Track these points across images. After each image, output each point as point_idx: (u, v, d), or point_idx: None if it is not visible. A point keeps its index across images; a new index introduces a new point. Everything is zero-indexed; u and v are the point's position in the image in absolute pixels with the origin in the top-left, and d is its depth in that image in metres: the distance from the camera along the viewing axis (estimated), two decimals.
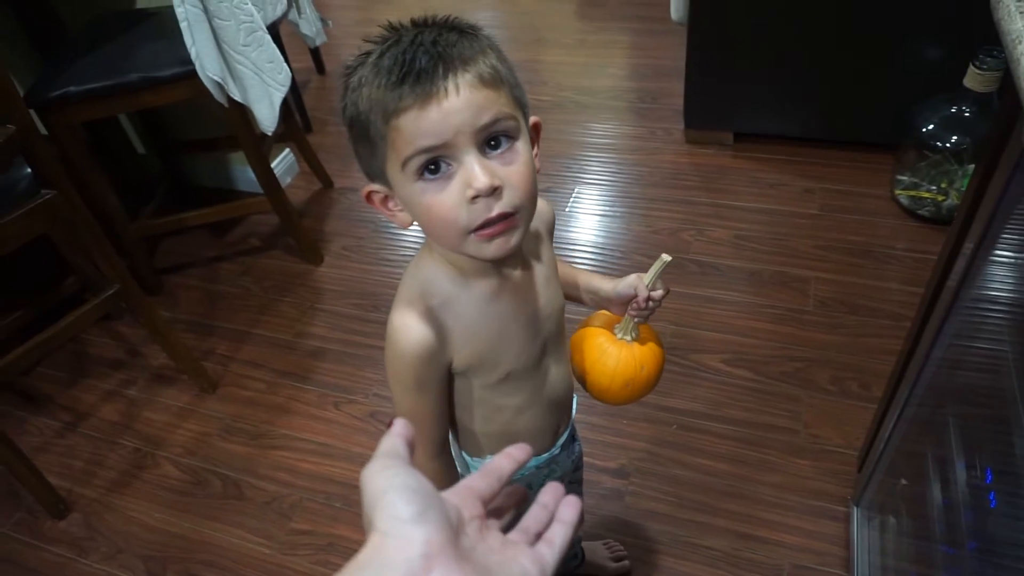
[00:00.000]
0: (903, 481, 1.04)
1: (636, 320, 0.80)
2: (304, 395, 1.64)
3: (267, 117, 1.63)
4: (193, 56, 1.46)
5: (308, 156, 2.18)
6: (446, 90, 0.53)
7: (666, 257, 0.75)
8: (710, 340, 1.58)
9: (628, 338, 0.81)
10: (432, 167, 0.57)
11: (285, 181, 2.27)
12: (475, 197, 0.56)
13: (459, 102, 0.54)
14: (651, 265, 0.77)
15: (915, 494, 0.98)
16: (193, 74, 1.50)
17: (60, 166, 1.38)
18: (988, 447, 0.82)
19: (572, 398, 0.87)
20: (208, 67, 1.47)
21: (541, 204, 0.74)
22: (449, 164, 0.56)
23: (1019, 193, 0.75)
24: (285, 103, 1.67)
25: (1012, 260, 0.80)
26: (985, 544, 0.78)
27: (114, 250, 1.45)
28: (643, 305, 0.77)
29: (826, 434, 1.40)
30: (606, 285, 0.82)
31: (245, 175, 2.21)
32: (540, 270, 0.73)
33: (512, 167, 0.58)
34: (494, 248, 0.60)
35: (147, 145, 2.22)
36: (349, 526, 1.38)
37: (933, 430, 0.95)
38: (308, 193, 2.26)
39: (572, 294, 0.85)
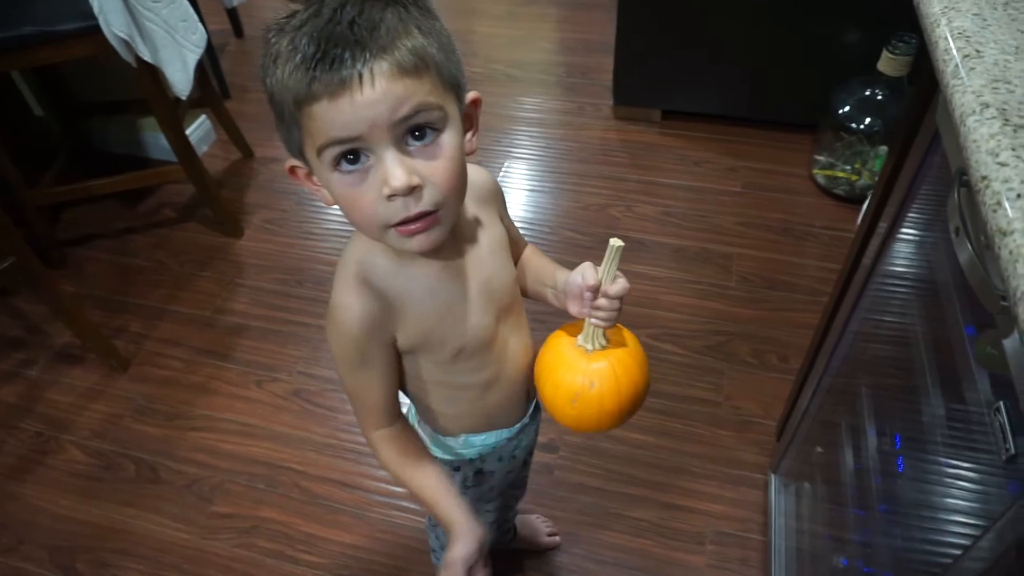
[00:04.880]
0: (819, 449, 1.09)
1: (595, 324, 0.66)
2: (224, 373, 1.57)
3: (181, 80, 1.53)
4: (96, 10, 1.35)
5: (226, 123, 2.07)
6: (360, 80, 0.49)
7: (616, 242, 0.63)
8: (637, 315, 1.60)
9: (589, 346, 0.68)
10: (351, 156, 0.53)
11: (201, 149, 2.15)
12: (392, 196, 0.53)
13: (374, 94, 0.50)
14: (600, 254, 0.66)
15: (829, 461, 1.03)
16: (97, 29, 1.39)
17: None
18: (897, 415, 0.86)
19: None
20: (113, 23, 1.37)
21: (481, 175, 0.72)
22: (367, 156, 0.53)
23: (929, 174, 0.78)
24: (200, 66, 1.58)
25: (919, 238, 0.84)
26: (893, 506, 0.82)
27: (9, 220, 1.34)
28: (591, 299, 0.65)
29: (747, 405, 1.45)
30: (561, 276, 0.72)
31: (157, 142, 2.08)
32: (482, 244, 0.70)
33: (435, 162, 0.55)
34: (415, 243, 0.58)
35: (46, 106, 2.05)
36: (273, 507, 1.34)
37: (847, 400, 0.99)
38: (226, 163, 2.16)
39: (538, 291, 0.77)
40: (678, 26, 1.97)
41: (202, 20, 1.57)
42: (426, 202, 0.55)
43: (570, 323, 0.71)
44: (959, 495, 0.68)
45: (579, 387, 0.66)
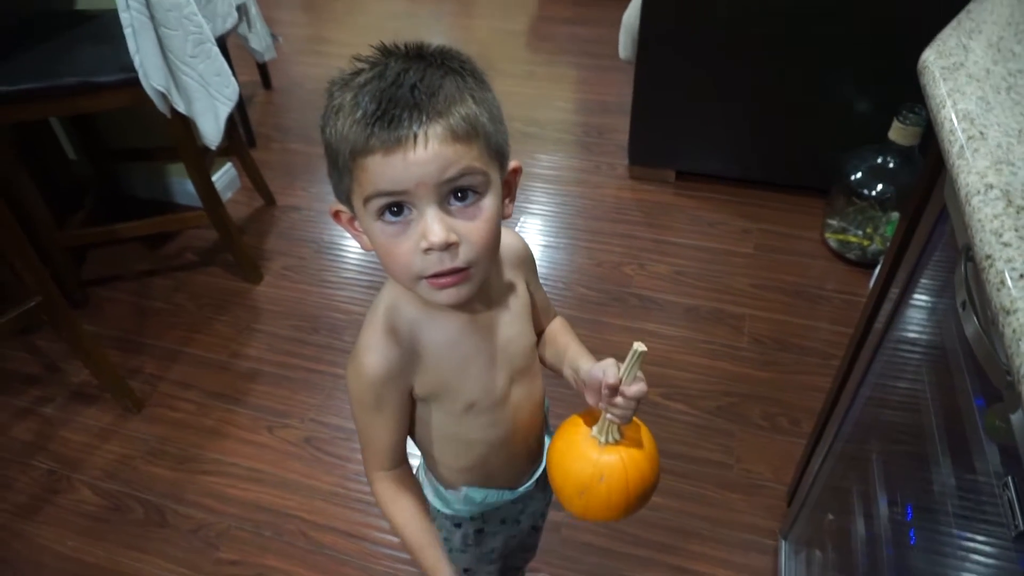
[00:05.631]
0: (830, 516, 1.08)
1: (611, 419, 0.65)
2: (236, 418, 1.58)
3: (212, 131, 1.59)
4: (137, 64, 1.42)
5: (251, 172, 2.14)
6: (414, 140, 0.53)
7: (639, 346, 0.61)
8: (648, 373, 1.57)
9: (602, 439, 0.67)
10: (395, 209, 0.57)
11: (225, 196, 2.21)
12: (428, 250, 0.56)
13: (425, 155, 0.53)
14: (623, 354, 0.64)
15: (840, 528, 1.02)
16: (135, 82, 1.45)
17: None
18: (908, 484, 0.86)
19: (543, 429, 0.85)
20: (152, 76, 1.43)
21: (515, 240, 0.75)
22: (411, 210, 0.57)
23: (939, 243, 0.80)
24: (230, 117, 1.64)
25: (930, 305, 0.85)
26: None
27: (38, 259, 1.38)
28: (608, 395, 0.64)
29: (758, 469, 1.44)
30: (584, 364, 0.70)
31: (183, 187, 2.14)
32: (507, 306, 0.72)
33: (473, 223, 0.58)
34: (444, 296, 0.61)
35: (79, 151, 2.13)
36: (279, 556, 1.33)
37: (858, 466, 0.98)
38: (249, 209, 2.21)
39: (557, 367, 0.78)
40: (694, 89, 2.03)
41: (233, 72, 1.63)
42: (460, 259, 0.58)
43: (588, 410, 0.71)
44: (971, 568, 0.67)
45: (588, 479, 0.66)
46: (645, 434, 0.70)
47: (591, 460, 0.67)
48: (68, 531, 1.38)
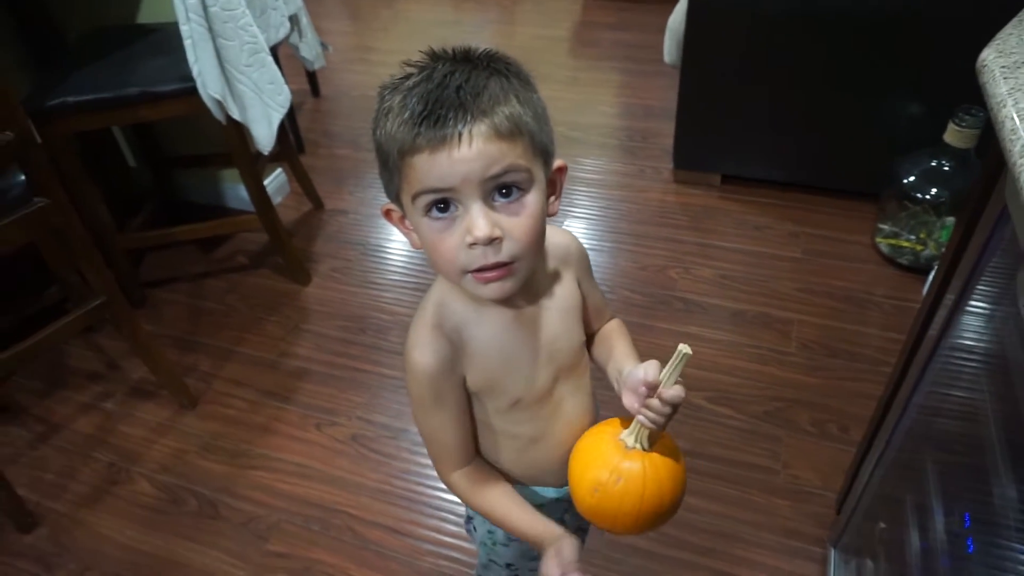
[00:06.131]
0: (882, 525, 1.05)
1: (642, 422, 0.64)
2: (286, 415, 1.63)
3: (265, 136, 1.64)
4: (195, 74, 1.47)
5: (300, 177, 2.19)
6: (459, 139, 0.55)
7: (684, 348, 0.60)
8: (693, 377, 1.59)
9: (631, 442, 0.66)
10: (441, 205, 0.59)
11: (276, 200, 2.27)
12: (473, 244, 0.58)
13: (470, 152, 0.55)
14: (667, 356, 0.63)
15: (893, 538, 1.00)
16: (193, 91, 1.51)
17: (54, 175, 1.38)
18: (966, 495, 0.84)
19: None
20: (210, 85, 1.48)
21: (565, 238, 0.76)
22: (457, 206, 0.59)
23: (998, 248, 0.78)
24: (281, 124, 1.68)
25: (988, 312, 0.83)
26: None
27: (103, 261, 1.44)
28: (647, 397, 0.63)
29: (805, 475, 1.41)
30: (628, 365, 0.71)
31: (236, 192, 2.21)
32: (554, 305, 0.73)
33: (517, 219, 0.59)
34: (489, 291, 0.62)
35: (138, 158, 2.21)
36: (326, 550, 1.36)
37: (912, 475, 0.96)
38: (298, 213, 2.27)
39: (603, 367, 0.78)
40: (740, 93, 2.01)
41: (284, 80, 1.68)
42: (504, 254, 0.59)
43: (624, 417, 0.70)
44: None
45: (605, 478, 0.65)
46: (676, 453, 0.68)
47: (613, 460, 0.66)
48: (126, 521, 1.44)
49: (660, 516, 0.67)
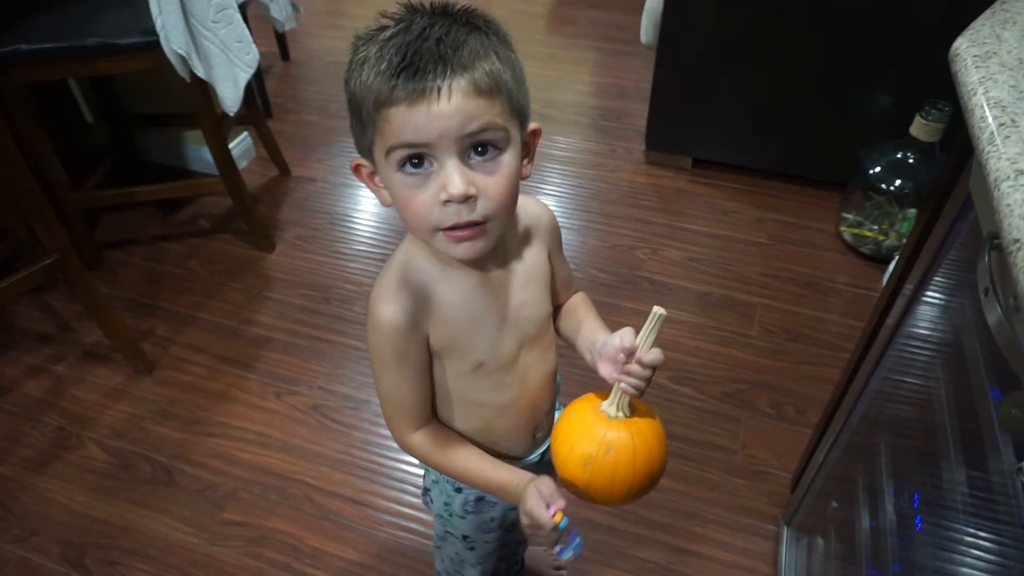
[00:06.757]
0: (834, 504, 1.08)
1: (624, 389, 0.65)
2: (245, 383, 1.60)
3: (231, 97, 1.59)
4: (159, 27, 1.41)
5: (267, 141, 2.14)
6: (438, 93, 0.53)
7: (659, 310, 0.62)
8: None
9: (613, 412, 0.66)
10: (416, 160, 0.57)
11: (241, 164, 2.21)
12: (447, 201, 0.57)
13: (448, 107, 0.54)
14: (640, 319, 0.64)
15: (844, 517, 1.02)
16: (156, 45, 1.45)
17: (3, 126, 1.31)
18: (916, 477, 0.86)
19: (553, 403, 0.85)
20: (173, 40, 1.43)
21: (540, 208, 0.75)
22: (431, 162, 0.57)
23: (957, 240, 0.79)
24: (248, 86, 1.63)
25: (944, 302, 0.85)
26: (909, 569, 0.81)
27: (55, 218, 1.39)
28: (624, 362, 0.64)
29: (762, 455, 1.44)
30: (601, 336, 0.71)
31: (199, 154, 2.15)
32: (523, 272, 0.72)
33: (492, 177, 0.58)
34: (461, 250, 0.61)
35: (97, 115, 2.13)
36: (283, 519, 1.34)
37: (865, 457, 0.99)
38: (264, 179, 2.21)
39: (572, 340, 0.78)
40: (714, 77, 2.01)
41: (252, 40, 1.63)
42: (478, 212, 0.58)
43: (599, 391, 0.70)
44: (977, 564, 0.68)
45: (595, 450, 0.65)
46: (653, 414, 0.70)
47: (600, 432, 0.66)
48: (76, 486, 1.40)
49: (653, 477, 0.68)
